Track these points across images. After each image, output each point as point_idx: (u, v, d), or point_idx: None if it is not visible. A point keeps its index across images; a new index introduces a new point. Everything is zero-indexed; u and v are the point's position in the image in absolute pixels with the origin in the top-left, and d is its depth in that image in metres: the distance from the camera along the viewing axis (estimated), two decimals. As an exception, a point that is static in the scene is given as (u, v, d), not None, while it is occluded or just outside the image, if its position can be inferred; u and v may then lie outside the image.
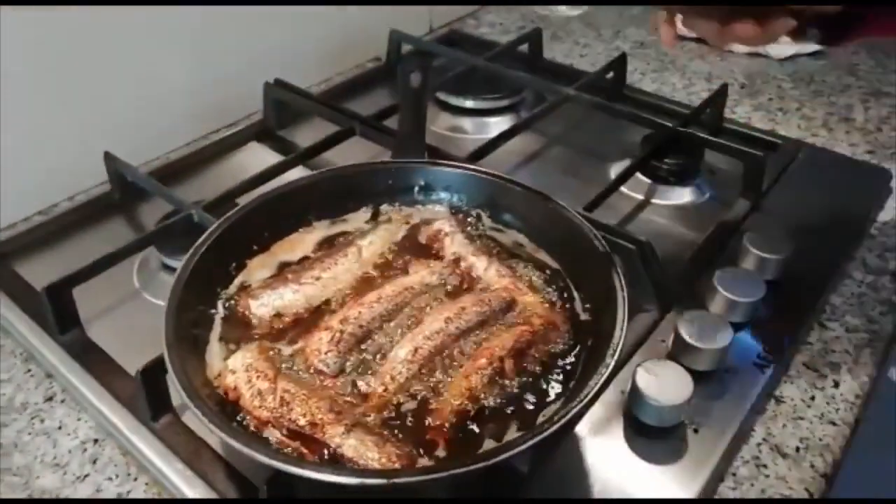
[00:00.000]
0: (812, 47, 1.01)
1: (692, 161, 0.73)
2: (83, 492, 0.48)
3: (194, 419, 0.49)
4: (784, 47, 0.99)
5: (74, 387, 0.53)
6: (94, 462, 0.50)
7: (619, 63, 0.87)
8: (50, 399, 0.54)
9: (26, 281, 0.62)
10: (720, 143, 0.73)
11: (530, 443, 0.37)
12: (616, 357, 0.41)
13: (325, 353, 0.44)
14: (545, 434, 0.37)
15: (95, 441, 0.51)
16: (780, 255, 0.59)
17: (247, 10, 0.80)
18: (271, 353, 0.45)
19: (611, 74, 0.86)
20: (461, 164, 0.61)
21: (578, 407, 0.38)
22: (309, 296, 0.49)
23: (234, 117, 0.84)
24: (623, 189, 0.71)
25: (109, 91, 0.72)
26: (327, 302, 0.50)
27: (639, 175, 0.72)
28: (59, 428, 0.52)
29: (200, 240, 0.50)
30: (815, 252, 0.63)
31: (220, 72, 0.81)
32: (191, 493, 0.45)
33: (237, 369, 0.43)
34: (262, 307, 0.48)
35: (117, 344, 0.56)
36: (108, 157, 0.68)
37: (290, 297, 0.49)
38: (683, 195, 0.72)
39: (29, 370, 0.56)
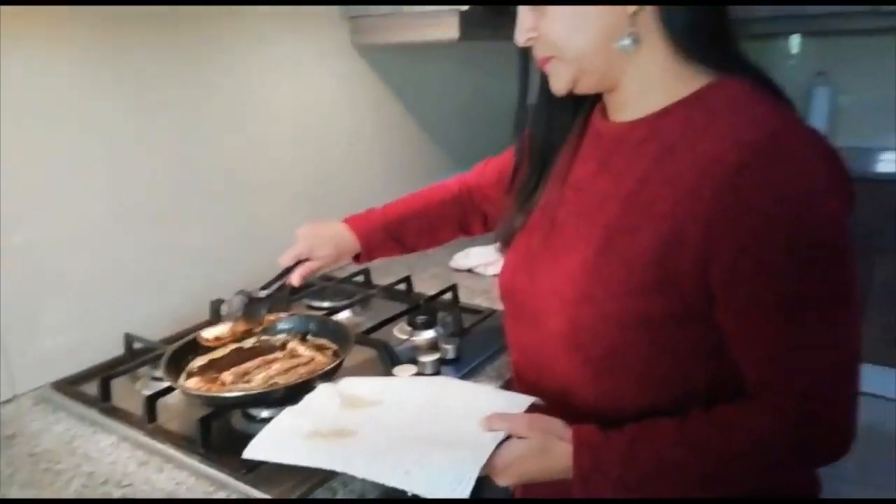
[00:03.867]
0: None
1: (432, 318, 1.41)
2: (118, 456, 1.04)
3: (166, 423, 1.09)
4: (513, 269, 1.75)
5: (112, 425, 1.11)
6: (117, 449, 1.07)
7: (406, 280, 1.61)
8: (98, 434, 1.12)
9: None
10: (435, 307, 1.44)
11: (296, 381, 1.00)
12: (338, 361, 1.05)
13: (228, 378, 1.07)
14: (310, 377, 1.00)
15: (119, 443, 1.08)
16: (453, 345, 1.25)
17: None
18: (206, 379, 1.08)
19: (402, 285, 1.59)
20: (301, 314, 1.28)
21: (320, 373, 1.02)
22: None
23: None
24: (398, 334, 1.38)
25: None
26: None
27: (405, 325, 1.40)
28: (100, 444, 1.09)
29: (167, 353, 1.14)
30: (480, 344, 1.30)
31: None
32: (164, 448, 1.03)
33: (191, 383, 1.05)
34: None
35: (136, 409, 1.15)
36: (128, 336, 1.33)
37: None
38: (429, 334, 1.39)
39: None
